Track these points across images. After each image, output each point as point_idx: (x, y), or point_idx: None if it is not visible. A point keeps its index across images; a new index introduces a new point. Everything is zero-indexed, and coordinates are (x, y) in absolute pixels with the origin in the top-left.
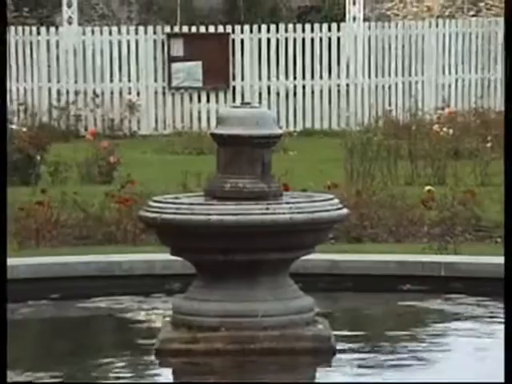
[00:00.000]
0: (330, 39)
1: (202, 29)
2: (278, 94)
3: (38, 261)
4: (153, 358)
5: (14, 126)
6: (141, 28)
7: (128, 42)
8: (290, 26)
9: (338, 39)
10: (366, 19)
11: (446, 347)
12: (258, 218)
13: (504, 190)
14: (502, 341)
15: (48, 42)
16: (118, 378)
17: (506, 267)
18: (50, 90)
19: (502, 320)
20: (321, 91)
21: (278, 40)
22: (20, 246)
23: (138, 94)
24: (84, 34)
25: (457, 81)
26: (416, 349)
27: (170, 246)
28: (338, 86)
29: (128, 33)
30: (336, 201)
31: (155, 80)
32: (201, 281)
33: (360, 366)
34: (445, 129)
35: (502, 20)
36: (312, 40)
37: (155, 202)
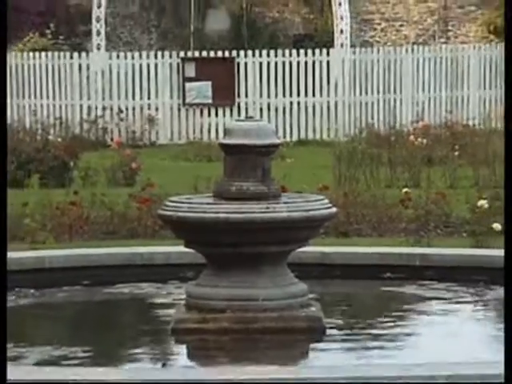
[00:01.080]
0: (320, 63)
1: (212, 54)
2: (276, 109)
3: (71, 252)
4: (169, 335)
5: (50, 137)
6: (159, 53)
7: (148, 65)
8: (287, 51)
9: (328, 63)
10: (351, 45)
11: (418, 324)
12: (260, 216)
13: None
14: (467, 319)
15: (80, 65)
16: (139, 352)
17: (506, 257)
18: (81, 106)
19: (467, 301)
20: (313, 107)
21: (276, 63)
22: (56, 239)
23: (157, 109)
24: (110, 58)
25: (429, 98)
26: (393, 325)
27: (183, 239)
28: (328, 102)
29: (148, 57)
30: (326, 201)
31: (171, 97)
32: (210, 270)
33: (346, 341)
34: (419, 139)
35: (467, 46)
36: (305, 63)
37: (171, 202)
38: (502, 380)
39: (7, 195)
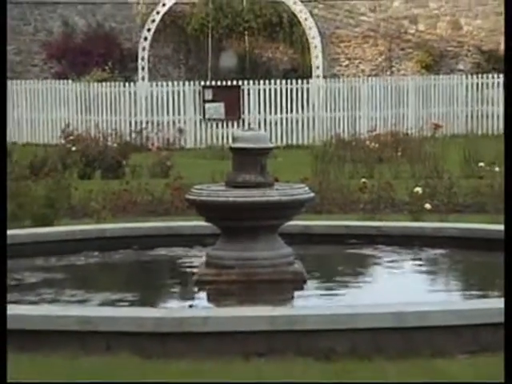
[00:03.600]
0: (302, 89)
1: (224, 83)
2: (270, 122)
3: (124, 225)
4: (193, 285)
5: (109, 143)
6: (186, 82)
7: (178, 91)
8: (278, 81)
9: (308, 89)
10: (324, 77)
11: (373, 274)
12: (258, 199)
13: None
14: (407, 270)
15: (130, 91)
16: (172, 296)
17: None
18: (130, 121)
19: (407, 259)
20: (297, 121)
21: (270, 89)
22: (113, 216)
23: (185, 122)
24: (151, 86)
25: (380, 115)
26: (355, 276)
27: (204, 216)
28: (308, 117)
29: (178, 85)
30: (306, 188)
31: (195, 114)
32: (223, 238)
33: (321, 288)
34: (372, 144)
35: (406, 78)
36: (291, 89)
37: (195, 189)
38: (439, 315)
39: (7, 191)
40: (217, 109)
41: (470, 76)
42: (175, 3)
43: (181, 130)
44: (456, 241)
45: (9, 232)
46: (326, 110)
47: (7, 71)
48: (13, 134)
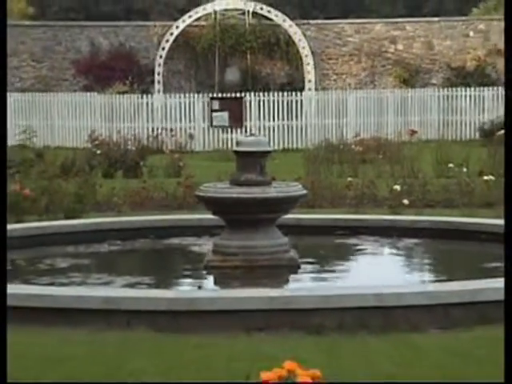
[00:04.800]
0: (296, 100)
1: (229, 94)
2: (269, 128)
3: (141, 218)
4: (202, 269)
5: (129, 147)
6: (196, 94)
7: (189, 101)
8: (275, 93)
9: (301, 100)
10: (315, 89)
11: (357, 260)
12: (258, 196)
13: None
14: (387, 257)
15: (147, 102)
16: (183, 279)
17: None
18: (147, 127)
19: (387, 247)
20: (292, 128)
21: (269, 100)
22: (132, 210)
23: (194, 128)
24: (166, 97)
25: (364, 122)
26: (342, 262)
27: (211, 210)
28: (301, 124)
29: (189, 97)
30: (300, 186)
31: (203, 121)
32: (228, 229)
33: (313, 272)
34: (357, 147)
35: (386, 90)
36: (287, 100)
37: (204, 187)
38: (414, 296)
39: (7, 193)
40: (222, 117)
41: (441, 89)
42: (187, 25)
43: (191, 136)
44: (429, 231)
45: (42, 223)
46: (317, 118)
47: (42, 86)
48: (46, 139)
